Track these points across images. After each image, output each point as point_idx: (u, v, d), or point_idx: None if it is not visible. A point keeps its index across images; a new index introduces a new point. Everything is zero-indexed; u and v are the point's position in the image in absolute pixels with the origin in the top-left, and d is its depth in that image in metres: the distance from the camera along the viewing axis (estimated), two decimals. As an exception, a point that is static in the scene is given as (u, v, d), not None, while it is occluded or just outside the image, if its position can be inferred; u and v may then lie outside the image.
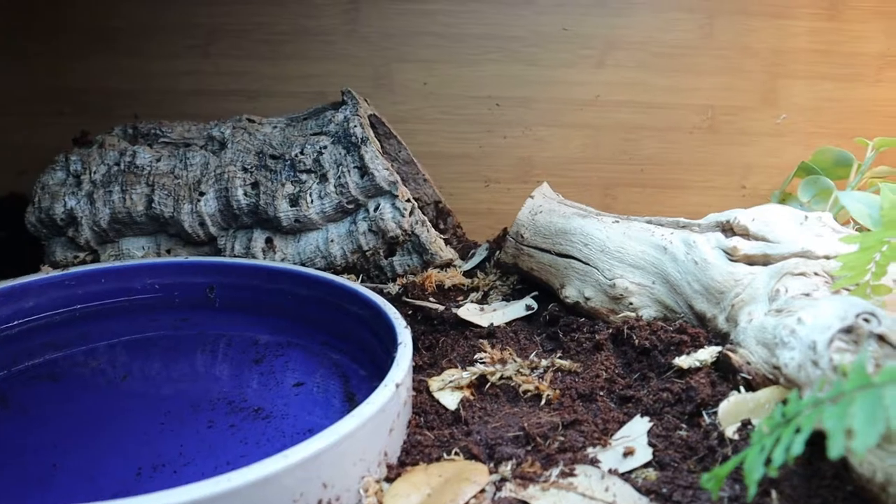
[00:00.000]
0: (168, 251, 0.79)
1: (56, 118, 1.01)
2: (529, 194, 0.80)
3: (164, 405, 0.60)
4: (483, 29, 0.93)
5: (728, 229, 0.61)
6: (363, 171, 0.73)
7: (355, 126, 0.74)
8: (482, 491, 0.48)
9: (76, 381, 0.65)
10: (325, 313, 0.71)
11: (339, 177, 0.73)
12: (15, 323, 0.70)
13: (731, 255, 0.58)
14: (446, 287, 0.73)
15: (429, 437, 0.54)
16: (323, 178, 0.74)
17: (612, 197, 0.96)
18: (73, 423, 0.58)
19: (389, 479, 0.49)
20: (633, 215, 0.70)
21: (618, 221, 0.66)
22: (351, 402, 0.61)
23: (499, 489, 0.48)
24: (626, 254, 0.63)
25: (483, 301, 0.73)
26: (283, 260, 0.76)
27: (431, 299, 0.71)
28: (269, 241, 0.76)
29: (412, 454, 0.52)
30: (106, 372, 0.66)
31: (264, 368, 0.65)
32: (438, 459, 0.52)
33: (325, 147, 0.74)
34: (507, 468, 0.50)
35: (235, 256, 0.77)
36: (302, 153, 0.75)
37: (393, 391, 0.50)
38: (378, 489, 0.48)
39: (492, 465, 0.51)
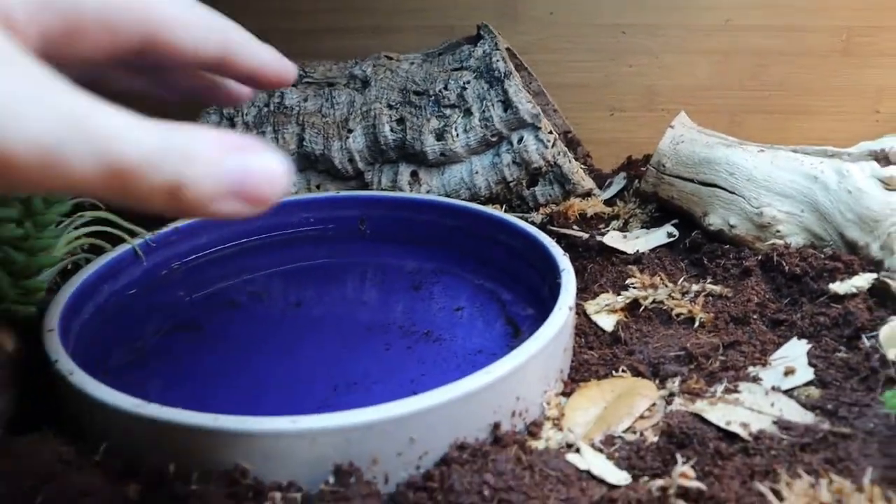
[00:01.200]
0: (318, 186, 0.84)
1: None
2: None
3: (340, 329, 0.66)
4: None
5: (882, 158, 0.61)
6: (506, 104, 0.76)
7: (498, 60, 0.76)
8: (653, 404, 0.52)
9: (255, 308, 0.71)
10: (473, 242, 0.76)
11: (484, 111, 0.76)
12: (191, 257, 0.77)
13: (888, 185, 0.59)
14: (588, 215, 0.76)
15: (593, 356, 0.59)
16: (467, 113, 0.77)
17: (738, 124, 0.96)
18: (263, 345, 0.64)
19: (565, 394, 0.54)
20: (760, 143, 0.71)
21: (763, 150, 0.68)
22: (512, 325, 0.65)
23: (669, 403, 0.52)
24: (774, 182, 0.65)
25: (624, 229, 0.76)
26: (428, 192, 0.80)
27: (575, 227, 0.75)
28: (414, 174, 0.81)
29: (580, 372, 0.57)
30: (280, 299, 0.73)
31: (424, 294, 0.71)
32: (606, 377, 0.56)
33: (468, 82, 0.77)
34: (673, 384, 0.54)
35: (382, 190, 0.81)
36: (446, 88, 0.78)
37: (567, 314, 0.54)
38: (558, 402, 0.52)
39: (657, 381, 0.55)
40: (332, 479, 0.43)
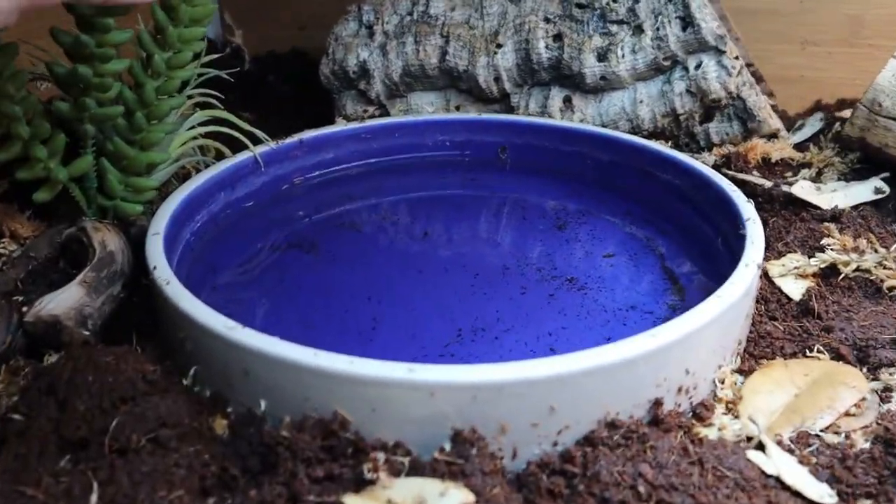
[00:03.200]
0: (457, 108, 0.76)
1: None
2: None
3: (471, 266, 0.58)
4: None
5: None
6: (686, 21, 0.64)
7: (681, -31, 0.64)
8: (863, 399, 0.41)
9: (379, 233, 0.64)
10: (630, 181, 0.65)
11: (658, 28, 0.64)
12: (316, 173, 0.70)
13: None
14: (772, 161, 0.64)
15: (778, 328, 0.47)
16: (637, 30, 0.65)
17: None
18: (384, 275, 0.57)
19: (742, 372, 0.43)
20: None
21: None
22: (671, 280, 0.55)
23: (885, 400, 0.40)
24: None
25: (817, 179, 0.62)
26: (581, 121, 0.69)
27: (756, 173, 0.63)
28: (567, 99, 0.70)
29: (761, 346, 0.46)
30: (406, 226, 0.65)
31: (569, 235, 0.61)
32: (794, 356, 0.45)
33: (643, -6, 0.65)
34: (891, 377, 0.42)
35: (529, 115, 0.72)
36: (615, 1, 0.66)
37: (754, 272, 0.43)
38: (733, 381, 0.42)
39: (866, 370, 0.43)
40: (448, 446, 0.35)
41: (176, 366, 0.43)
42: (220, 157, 0.64)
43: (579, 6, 0.68)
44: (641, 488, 0.34)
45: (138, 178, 0.56)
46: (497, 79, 0.72)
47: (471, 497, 0.33)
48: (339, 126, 0.71)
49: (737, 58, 0.64)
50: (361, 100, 0.78)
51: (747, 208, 0.51)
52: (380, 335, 0.49)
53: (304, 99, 0.91)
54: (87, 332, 0.47)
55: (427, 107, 0.76)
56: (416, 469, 0.35)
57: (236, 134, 0.63)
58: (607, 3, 0.67)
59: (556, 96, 0.70)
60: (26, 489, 0.35)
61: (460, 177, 0.72)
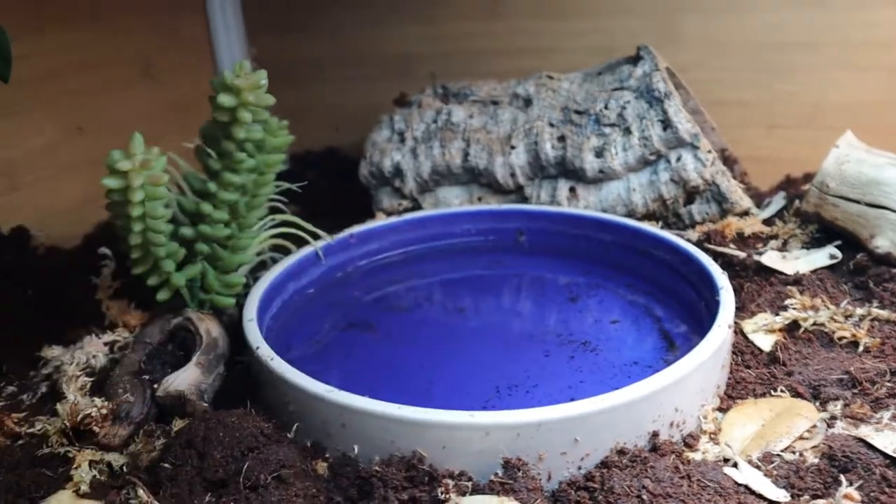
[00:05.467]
0: (479, 199, 0.89)
1: (365, 81, 1.15)
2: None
3: (502, 335, 0.70)
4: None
5: None
6: (666, 124, 0.78)
7: (658, 81, 0.78)
8: (814, 426, 0.53)
9: (422, 311, 0.77)
10: (628, 257, 0.78)
11: (643, 130, 0.78)
12: (363, 262, 0.83)
13: None
14: (745, 235, 0.77)
15: (750, 374, 0.59)
16: (626, 132, 0.79)
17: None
18: (431, 346, 0.69)
19: (722, 410, 0.56)
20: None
21: (939, 173, 0.66)
22: (667, 339, 0.67)
23: (830, 426, 0.52)
24: (950, 206, 0.63)
25: (783, 249, 0.75)
26: (585, 207, 0.83)
27: (732, 246, 0.75)
28: (572, 189, 0.84)
29: (737, 389, 0.58)
30: (444, 305, 0.78)
31: (581, 306, 0.73)
32: (763, 396, 0.57)
33: (629, 102, 0.80)
34: (835, 408, 0.54)
35: (541, 204, 0.85)
36: (606, 108, 0.81)
37: (726, 331, 0.56)
38: (714, 417, 0.54)
39: (818, 404, 0.55)
40: (500, 472, 0.47)
41: (280, 423, 0.55)
42: (285, 251, 0.77)
43: (577, 112, 0.83)
44: (644, 496, 0.45)
45: (230, 275, 0.69)
46: (512, 174, 0.85)
47: (520, 507, 0.45)
48: (381, 221, 0.84)
49: (710, 151, 0.77)
50: (396, 195, 0.92)
51: (721, 279, 0.64)
52: (435, 395, 0.61)
53: (342, 193, 1.05)
54: (205, 404, 0.59)
55: (454, 199, 0.89)
56: (477, 491, 0.47)
57: (300, 233, 0.76)
58: (600, 110, 0.81)
59: (563, 187, 0.84)
60: (187, 519, 0.47)
61: (485, 259, 0.85)
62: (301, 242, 0.77)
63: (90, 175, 0.97)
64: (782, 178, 0.95)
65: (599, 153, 0.80)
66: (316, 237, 0.78)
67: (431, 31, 1.08)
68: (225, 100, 0.55)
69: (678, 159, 0.78)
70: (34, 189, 0.89)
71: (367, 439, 0.50)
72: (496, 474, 0.47)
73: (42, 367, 0.67)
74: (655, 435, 0.50)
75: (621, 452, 0.49)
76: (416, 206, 0.91)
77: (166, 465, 0.51)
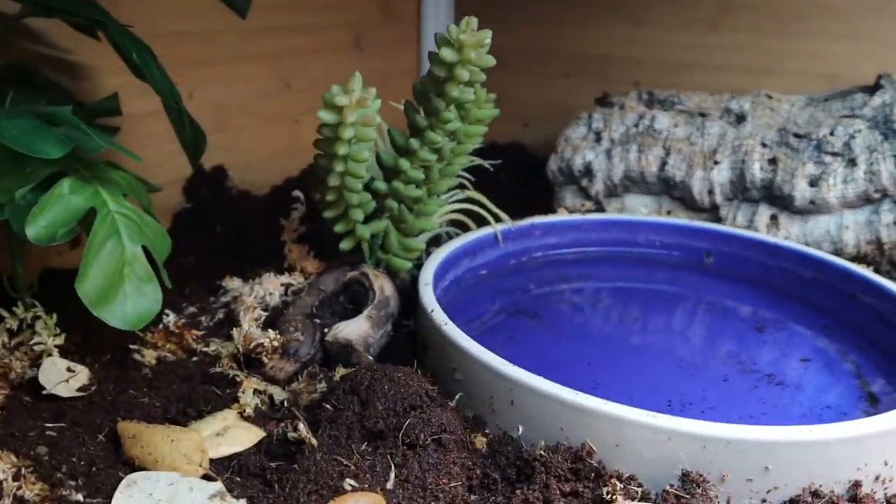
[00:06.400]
0: (668, 212, 0.85)
1: (560, 78, 1.13)
2: None
3: (677, 350, 0.66)
4: None
5: None
6: (900, 160, 0.70)
7: (900, 113, 0.71)
8: None
9: (594, 312, 0.73)
10: (830, 298, 0.71)
11: (871, 163, 0.71)
12: (539, 254, 0.81)
13: None
14: (976, 297, 0.68)
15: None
16: (851, 163, 0.73)
17: None
18: (601, 348, 0.66)
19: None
20: None
21: None
22: (865, 390, 0.60)
23: None
24: None
25: None
26: (786, 238, 0.76)
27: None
28: (773, 217, 0.78)
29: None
30: (617, 310, 0.74)
31: (768, 338, 0.67)
32: None
33: (860, 131, 0.73)
34: None
35: (736, 227, 0.79)
36: (832, 134, 0.74)
37: (955, 390, 0.49)
38: (926, 482, 0.47)
39: None
40: (677, 483, 0.43)
41: (444, 390, 0.53)
42: (465, 229, 0.76)
43: (796, 136, 0.77)
44: (840, 548, 0.40)
45: (411, 239, 0.69)
46: (710, 191, 0.80)
47: (695, 526, 0.41)
48: (564, 216, 0.82)
49: (947, 198, 0.69)
50: (580, 194, 0.89)
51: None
52: (599, 396, 0.58)
53: (523, 188, 1.03)
54: (371, 357, 0.59)
55: (641, 208, 0.85)
56: (645, 499, 0.43)
57: (482, 212, 0.75)
58: (824, 136, 0.75)
59: (764, 213, 0.78)
60: (341, 459, 0.47)
61: (665, 273, 0.80)
62: (481, 223, 0.76)
63: (290, 130, 1.02)
64: None
65: (814, 182, 0.74)
66: (498, 220, 0.76)
67: (637, 36, 1.05)
68: (447, 54, 0.55)
69: (907, 201, 0.70)
70: (238, 134, 0.94)
71: (535, 421, 0.47)
72: (671, 486, 0.43)
73: (221, 296, 0.70)
74: (857, 485, 0.45)
75: (815, 495, 0.43)
76: (600, 210, 0.88)
77: (328, 406, 0.51)
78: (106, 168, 0.59)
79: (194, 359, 0.61)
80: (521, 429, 0.48)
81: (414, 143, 0.61)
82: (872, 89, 0.77)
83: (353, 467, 0.46)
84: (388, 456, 0.47)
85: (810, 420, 0.55)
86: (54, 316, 0.60)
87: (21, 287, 0.63)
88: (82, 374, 0.57)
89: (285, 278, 0.70)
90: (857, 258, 0.74)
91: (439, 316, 0.56)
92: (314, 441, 0.49)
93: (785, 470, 0.43)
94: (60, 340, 0.58)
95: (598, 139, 0.88)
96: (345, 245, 0.65)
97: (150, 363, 0.59)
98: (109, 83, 0.76)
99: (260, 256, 0.76)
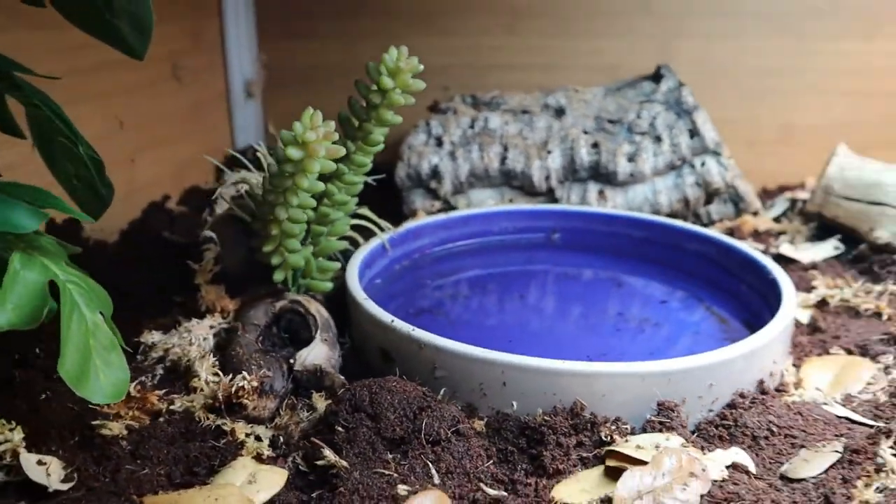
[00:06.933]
0: (510, 200, 0.97)
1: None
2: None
3: (567, 316, 0.78)
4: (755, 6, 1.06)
5: None
6: (693, 132, 0.89)
7: (687, 95, 0.90)
8: (873, 375, 0.64)
9: (484, 297, 0.83)
10: (659, 251, 0.88)
11: (672, 138, 0.89)
12: (416, 256, 0.89)
13: None
14: (760, 231, 0.89)
15: (803, 340, 0.70)
16: (657, 140, 0.90)
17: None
18: (508, 325, 0.76)
19: (796, 366, 0.66)
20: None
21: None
22: (714, 315, 0.77)
23: (887, 373, 0.64)
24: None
25: (791, 243, 0.88)
26: (613, 207, 0.93)
27: (750, 240, 0.87)
28: (601, 192, 0.93)
29: (797, 352, 0.69)
30: (500, 292, 0.85)
31: (627, 291, 0.83)
32: (820, 355, 0.68)
33: (659, 113, 0.90)
34: (888, 359, 0.65)
35: (572, 205, 0.94)
36: (638, 118, 0.91)
37: (795, 297, 0.67)
38: (792, 371, 0.64)
39: (869, 358, 0.67)
40: (654, 414, 0.55)
41: (430, 388, 0.60)
42: (353, 244, 0.82)
43: (610, 122, 0.93)
44: (773, 429, 0.55)
45: (324, 261, 0.73)
46: (548, 177, 0.94)
47: (681, 440, 0.53)
48: (431, 217, 0.91)
49: (730, 157, 0.89)
50: (429, 195, 0.99)
51: (771, 263, 0.74)
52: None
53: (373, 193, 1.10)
54: (341, 377, 0.64)
55: (488, 200, 0.97)
56: (633, 432, 0.55)
57: (369, 225, 0.81)
58: (632, 120, 0.91)
59: (592, 189, 0.93)
60: (381, 470, 0.52)
61: (522, 255, 0.93)
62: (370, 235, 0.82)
63: (126, 170, 0.98)
64: (759, 188, 1.08)
65: (632, 158, 0.90)
66: (381, 230, 0.83)
67: (444, 44, 1.16)
68: (387, 82, 0.61)
69: (702, 164, 0.89)
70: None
71: (528, 395, 0.57)
72: (652, 415, 0.55)
73: (149, 351, 0.69)
74: (762, 383, 0.60)
75: (742, 396, 0.58)
76: (449, 207, 0.98)
77: (339, 428, 0.56)
78: (33, 236, 0.57)
79: (161, 419, 0.61)
80: (515, 405, 0.57)
81: (342, 167, 0.66)
82: (654, 78, 0.96)
83: (395, 474, 0.52)
84: (421, 456, 0.53)
85: (693, 347, 0.71)
86: (-3, 409, 0.57)
87: (-60, 387, 0.58)
88: (54, 464, 0.55)
89: (209, 321, 0.71)
90: (671, 215, 0.92)
91: (402, 325, 0.63)
92: (344, 462, 0.53)
93: (722, 383, 0.57)
94: (20, 434, 0.56)
95: (440, 143, 0.98)
96: (278, 276, 0.69)
97: (122, 434, 0.58)
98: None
99: (162, 305, 0.76)
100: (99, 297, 0.57)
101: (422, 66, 0.63)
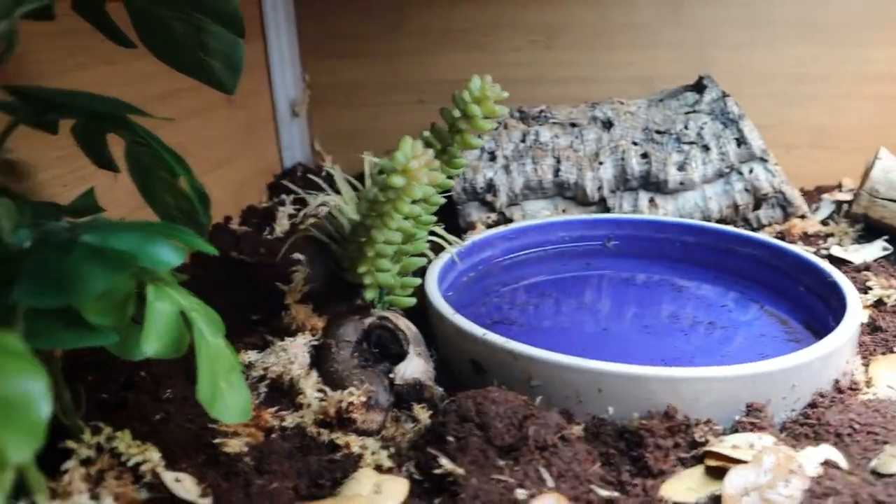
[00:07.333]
0: (563, 211, 1.01)
1: (416, 105, 1.25)
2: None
3: (634, 320, 0.82)
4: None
5: None
6: (740, 141, 0.93)
7: (732, 105, 0.94)
8: (939, 371, 0.68)
9: (552, 305, 0.87)
10: (711, 255, 0.92)
11: (720, 147, 0.93)
12: (482, 268, 0.93)
13: None
14: (809, 234, 0.93)
15: (867, 339, 0.74)
16: (705, 148, 0.94)
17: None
18: (580, 332, 0.80)
19: (864, 365, 0.70)
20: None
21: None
22: (776, 317, 0.81)
23: (951, 370, 0.68)
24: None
25: (839, 245, 0.92)
26: (664, 214, 0.97)
27: (800, 243, 0.91)
28: (651, 200, 0.97)
29: (863, 350, 0.73)
30: (567, 298, 0.89)
31: (687, 295, 0.87)
32: (885, 354, 0.72)
33: (706, 123, 0.95)
34: (948, 357, 0.69)
35: (625, 213, 0.98)
36: (686, 128, 0.95)
37: (859, 302, 0.71)
38: (862, 370, 0.68)
39: (931, 357, 0.71)
40: (743, 415, 0.59)
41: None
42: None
43: (658, 132, 0.97)
44: (856, 426, 0.59)
45: (408, 278, 0.77)
46: (600, 187, 0.98)
47: (773, 439, 0.57)
48: (493, 230, 0.95)
49: (776, 164, 0.93)
50: (485, 208, 1.03)
51: (829, 267, 0.78)
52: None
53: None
54: (440, 388, 0.68)
55: (542, 211, 1.01)
56: (725, 432, 0.59)
57: (438, 240, 0.85)
58: (680, 130, 0.95)
59: (643, 198, 0.97)
60: (498, 476, 0.56)
61: (578, 262, 0.97)
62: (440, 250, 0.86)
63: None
64: (798, 190, 1.12)
65: (682, 167, 0.95)
66: (450, 244, 0.87)
67: (482, 60, 1.20)
68: (474, 109, 0.65)
69: (750, 171, 0.94)
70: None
71: (624, 400, 0.61)
72: (741, 416, 0.59)
73: (250, 371, 0.73)
74: (837, 382, 0.64)
75: (821, 395, 0.62)
76: (505, 219, 1.02)
77: (449, 438, 0.60)
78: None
79: (273, 436, 0.65)
80: (610, 410, 0.61)
81: (428, 189, 0.70)
82: (696, 88, 1.00)
83: (511, 480, 0.56)
84: (532, 462, 0.57)
85: (761, 349, 0.75)
86: (127, 431, 0.61)
87: (70, 412, 0.62)
88: (188, 482, 0.59)
89: (301, 339, 0.75)
90: (720, 220, 0.96)
91: (496, 338, 0.67)
92: (461, 470, 0.57)
93: (804, 384, 0.61)
94: (157, 453, 0.59)
95: (493, 158, 1.02)
96: (369, 295, 0.73)
97: (243, 451, 0.62)
98: (44, 177, 0.74)
99: (244, 325, 0.80)
100: (215, 321, 0.61)
101: (506, 94, 0.67)
